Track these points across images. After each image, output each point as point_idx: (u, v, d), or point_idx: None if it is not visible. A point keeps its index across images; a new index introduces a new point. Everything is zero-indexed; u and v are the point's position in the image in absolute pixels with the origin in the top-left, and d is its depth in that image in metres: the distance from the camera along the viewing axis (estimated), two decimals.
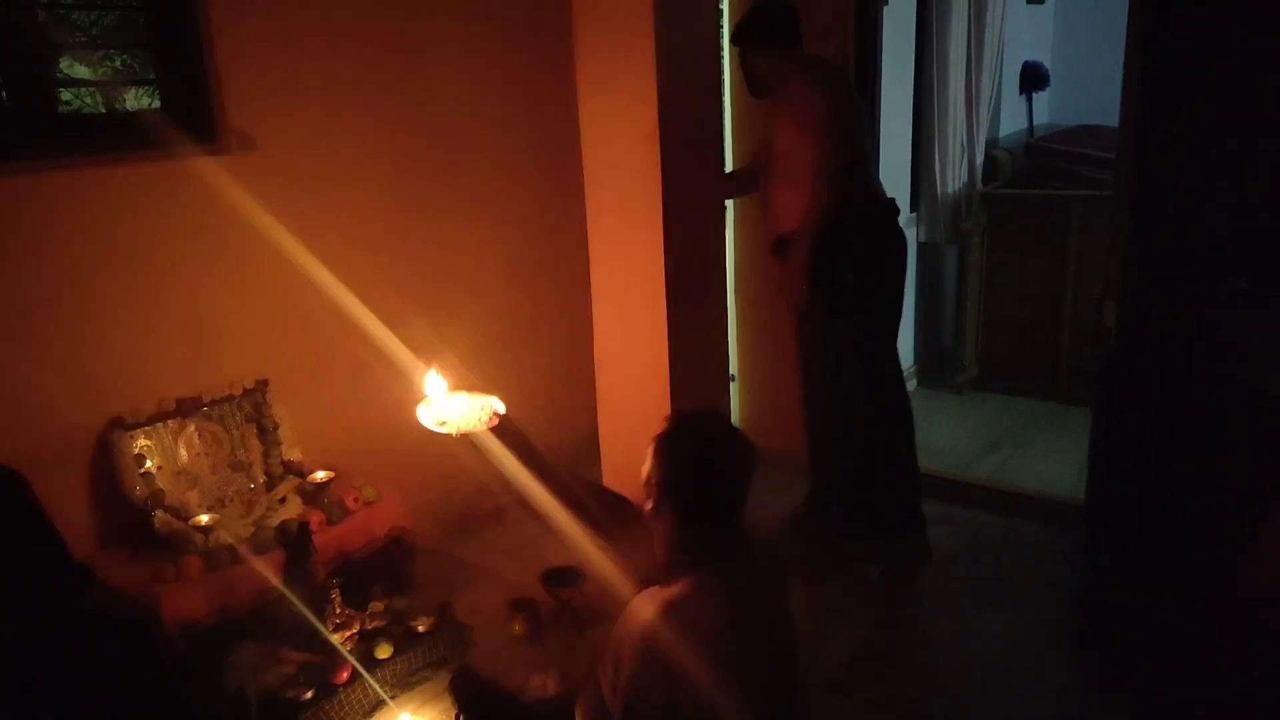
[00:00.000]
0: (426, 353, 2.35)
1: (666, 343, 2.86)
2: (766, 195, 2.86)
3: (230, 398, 2.72)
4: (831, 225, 2.65)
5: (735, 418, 3.68)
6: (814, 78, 2.71)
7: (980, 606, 2.73)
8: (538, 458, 1.86)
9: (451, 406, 1.81)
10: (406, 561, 2.82)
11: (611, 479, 3.08)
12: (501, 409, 1.81)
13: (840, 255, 2.69)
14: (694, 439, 1.65)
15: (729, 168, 3.50)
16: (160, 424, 2.57)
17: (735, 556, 1.65)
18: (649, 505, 1.65)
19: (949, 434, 3.93)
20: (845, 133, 2.63)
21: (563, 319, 3.67)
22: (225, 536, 2.45)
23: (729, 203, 3.50)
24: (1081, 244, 4.00)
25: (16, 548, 1.01)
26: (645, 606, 1.58)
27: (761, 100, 2.88)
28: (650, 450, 1.65)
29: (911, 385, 4.33)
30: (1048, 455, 3.67)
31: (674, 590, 1.58)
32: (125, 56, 2.64)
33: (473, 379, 1.89)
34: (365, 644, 2.46)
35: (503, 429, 1.79)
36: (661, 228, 2.78)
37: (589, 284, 3.62)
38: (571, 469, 1.93)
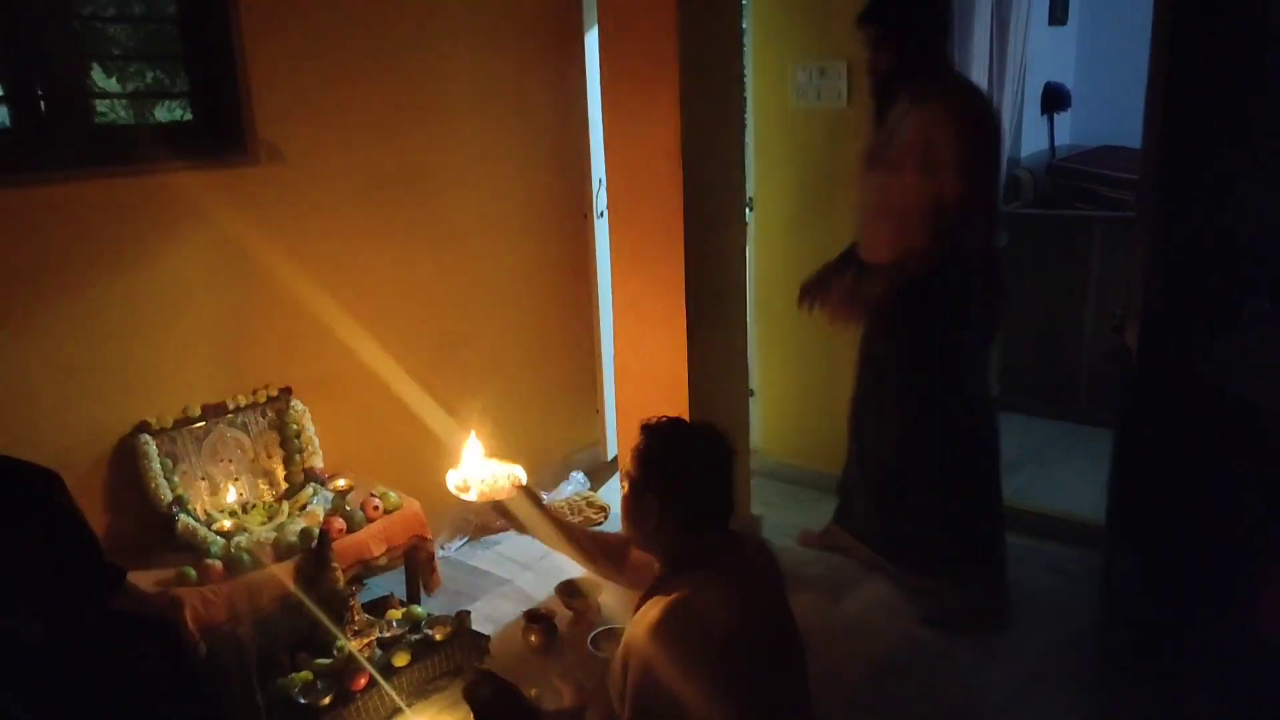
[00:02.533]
0: (463, 410, 2.45)
1: (686, 358, 2.87)
2: (861, 211, 2.66)
3: (254, 405, 2.76)
4: (930, 275, 2.41)
5: (755, 433, 3.67)
6: (961, 104, 2.38)
7: (1001, 627, 2.70)
8: (551, 520, 2.01)
9: (479, 472, 2.00)
10: (425, 570, 2.83)
11: None
12: (524, 478, 1.98)
13: (933, 311, 2.48)
14: (672, 439, 1.67)
15: (751, 189, 3.52)
16: (185, 429, 2.61)
17: (731, 555, 1.65)
18: (642, 523, 1.66)
19: None
20: (981, 179, 2.35)
21: (570, 337, 3.70)
22: (246, 542, 2.47)
23: (749, 218, 3.52)
24: (1103, 264, 3.99)
25: (53, 546, 1.03)
26: (648, 613, 1.59)
27: (876, 99, 2.60)
28: (630, 465, 1.67)
29: None
30: (1069, 475, 3.64)
31: (674, 595, 1.58)
32: (158, 69, 2.69)
33: (500, 447, 2.06)
34: (383, 651, 2.48)
35: (521, 497, 1.96)
36: (683, 243, 2.79)
37: (593, 304, 3.67)
38: (580, 527, 2.12)
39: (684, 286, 2.82)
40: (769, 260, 3.64)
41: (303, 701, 2.27)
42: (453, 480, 1.97)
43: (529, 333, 3.57)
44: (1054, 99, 4.82)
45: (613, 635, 2.63)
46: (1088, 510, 3.30)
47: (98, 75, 2.50)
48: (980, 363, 2.67)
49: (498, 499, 1.94)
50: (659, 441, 1.67)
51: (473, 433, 2.04)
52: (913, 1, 2.45)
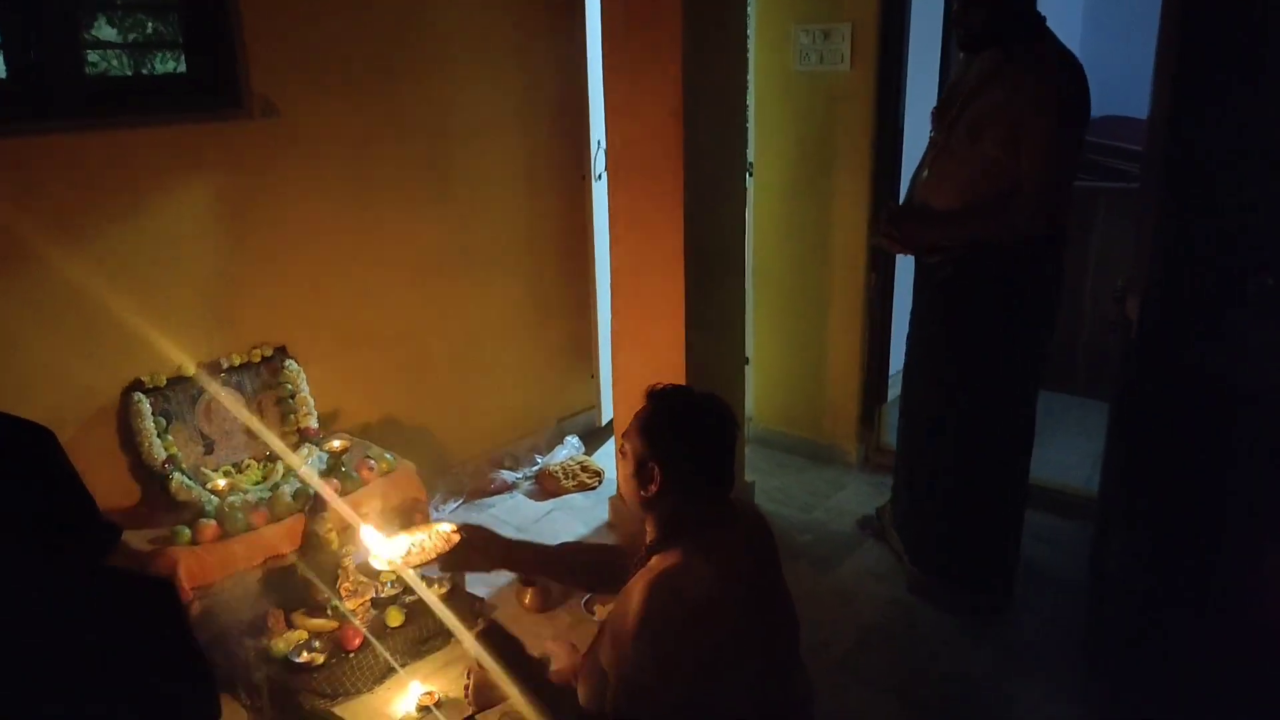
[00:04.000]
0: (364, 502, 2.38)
1: (684, 324, 2.86)
2: (925, 165, 2.53)
3: (249, 364, 2.74)
4: (986, 255, 2.32)
5: (749, 400, 3.68)
6: (1060, 83, 2.22)
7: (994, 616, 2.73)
8: (519, 553, 1.93)
9: (398, 544, 1.86)
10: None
11: None
12: (445, 529, 1.85)
13: (988, 294, 2.39)
14: (681, 410, 1.65)
15: (750, 154, 3.47)
16: (179, 388, 2.59)
17: (724, 526, 1.65)
18: (643, 489, 1.63)
19: None
20: (1065, 162, 2.25)
21: (567, 300, 3.68)
22: (240, 502, 2.47)
23: (748, 184, 3.48)
24: (1104, 236, 3.97)
25: (48, 504, 1.02)
26: (635, 585, 1.58)
27: (966, 53, 2.44)
28: (635, 431, 1.65)
29: None
30: (1063, 447, 3.65)
31: (661, 568, 1.57)
32: (153, 20, 2.63)
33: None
34: (377, 611, 2.49)
35: (469, 543, 1.85)
36: (682, 207, 2.76)
37: (590, 267, 3.64)
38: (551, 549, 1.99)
39: (682, 251, 2.80)
40: (767, 227, 3.61)
41: (297, 660, 2.28)
42: (379, 557, 1.85)
43: (525, 295, 3.55)
44: None
45: (605, 599, 2.64)
46: (1079, 483, 3.33)
47: (93, 25, 2.44)
48: (1032, 353, 2.51)
49: (437, 555, 1.83)
50: (665, 410, 1.65)
51: (364, 526, 1.91)
52: None
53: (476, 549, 1.87)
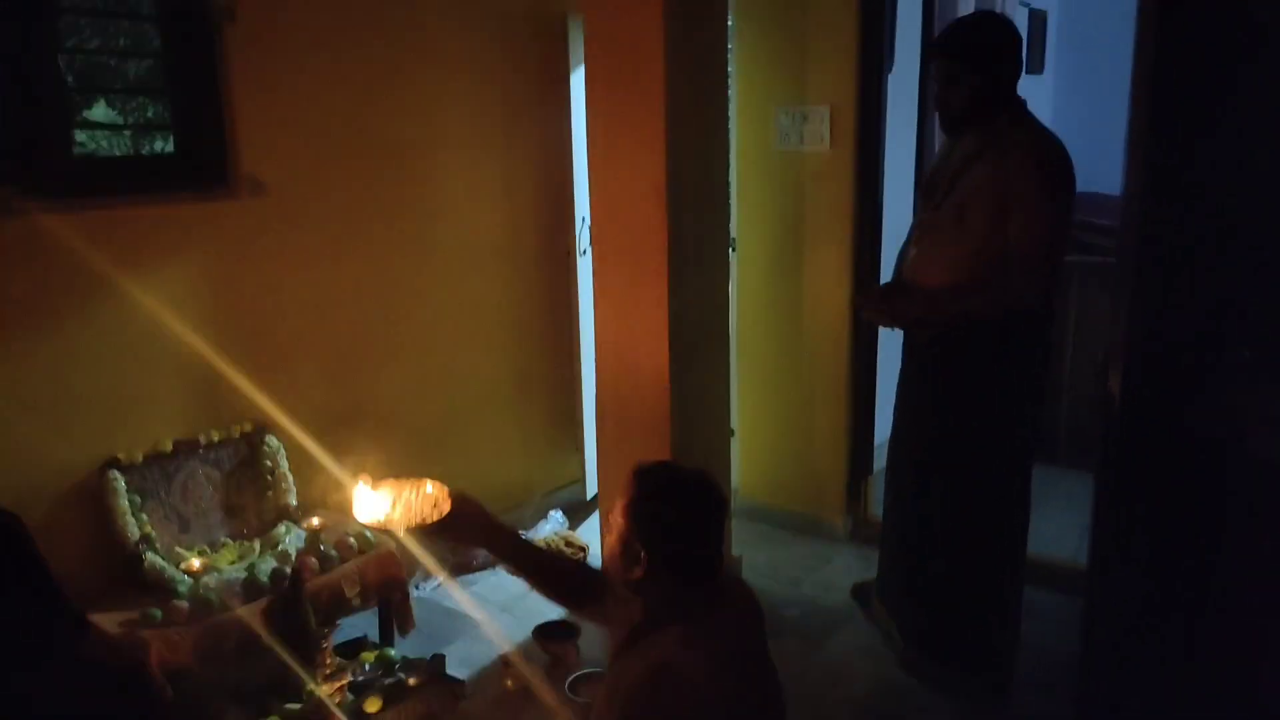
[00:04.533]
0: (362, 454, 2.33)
1: (669, 398, 2.85)
2: (914, 241, 2.56)
3: (228, 441, 2.70)
4: (975, 325, 2.33)
5: (735, 472, 3.65)
6: (1046, 158, 2.26)
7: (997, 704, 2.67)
8: (502, 538, 1.86)
9: (383, 502, 1.77)
10: (400, 611, 2.76)
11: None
12: (433, 490, 1.76)
13: (976, 362, 2.39)
14: (667, 491, 1.60)
15: (733, 229, 3.52)
16: (156, 466, 2.54)
17: (715, 608, 1.60)
18: (627, 571, 1.59)
19: None
20: (1055, 235, 2.25)
21: (551, 374, 3.68)
22: (215, 582, 2.41)
23: (731, 260, 3.53)
24: (1081, 310, 4.03)
25: (13, 593, 0.98)
26: (631, 669, 1.54)
27: (948, 133, 2.49)
28: (620, 513, 1.60)
29: None
30: (1048, 519, 3.62)
31: (657, 649, 1.53)
32: (144, 101, 2.65)
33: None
34: (354, 696, 2.41)
35: (458, 514, 1.75)
36: (666, 283, 2.79)
37: (575, 341, 3.65)
38: (551, 557, 1.98)
39: (667, 327, 2.81)
40: (750, 302, 3.64)
41: None
42: (365, 514, 1.76)
43: (510, 369, 3.54)
44: None
45: (590, 680, 2.57)
46: (1067, 555, 3.30)
47: (87, 109, 2.47)
48: (1022, 427, 2.50)
49: (423, 519, 1.73)
50: (651, 491, 1.61)
51: (360, 481, 1.81)
52: (991, 36, 2.32)
53: (464, 520, 1.76)
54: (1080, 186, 4.56)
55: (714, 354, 3.06)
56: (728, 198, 3.07)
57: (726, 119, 3.01)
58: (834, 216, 3.37)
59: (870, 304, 2.63)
